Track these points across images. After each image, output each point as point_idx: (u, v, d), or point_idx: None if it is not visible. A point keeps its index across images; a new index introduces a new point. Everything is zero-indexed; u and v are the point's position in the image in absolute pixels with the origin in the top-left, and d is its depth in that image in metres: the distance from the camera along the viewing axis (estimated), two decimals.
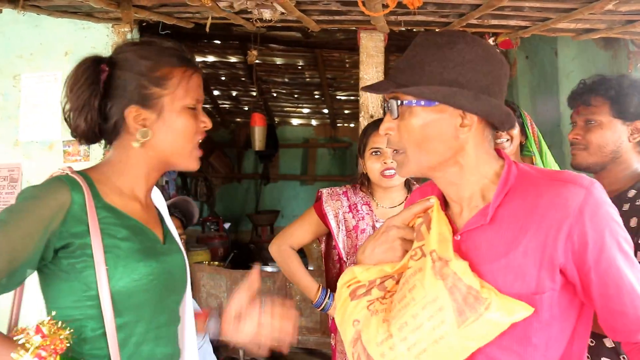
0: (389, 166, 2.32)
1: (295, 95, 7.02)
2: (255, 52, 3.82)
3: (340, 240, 2.42)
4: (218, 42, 5.72)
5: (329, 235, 2.55)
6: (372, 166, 2.36)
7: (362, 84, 3.31)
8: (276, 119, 7.42)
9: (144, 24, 3.29)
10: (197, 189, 6.80)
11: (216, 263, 4.26)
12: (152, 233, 1.44)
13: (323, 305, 2.43)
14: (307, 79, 6.63)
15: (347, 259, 2.44)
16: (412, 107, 1.23)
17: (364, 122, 3.33)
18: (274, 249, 2.54)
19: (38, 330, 1.19)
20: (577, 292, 1.18)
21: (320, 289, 2.45)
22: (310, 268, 4.61)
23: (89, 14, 3.11)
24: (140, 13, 2.79)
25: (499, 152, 1.31)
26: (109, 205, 1.35)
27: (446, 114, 1.21)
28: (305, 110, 7.39)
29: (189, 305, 1.59)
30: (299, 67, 6.41)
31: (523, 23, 2.86)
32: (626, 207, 1.81)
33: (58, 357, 1.18)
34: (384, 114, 1.33)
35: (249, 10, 2.66)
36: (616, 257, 1.14)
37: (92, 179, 1.34)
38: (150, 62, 1.37)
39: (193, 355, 1.69)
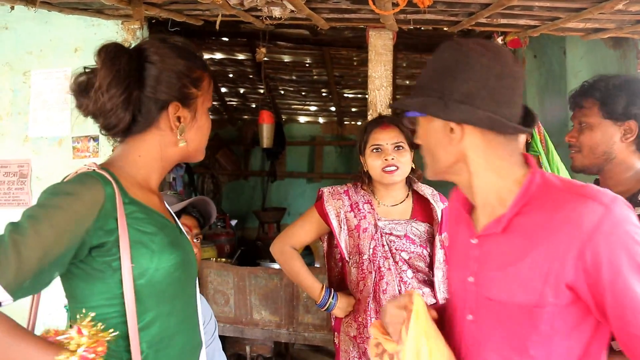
0: (390, 162, 2.32)
1: (303, 93, 7.02)
2: (264, 50, 3.83)
3: (342, 239, 2.41)
4: (226, 39, 5.72)
5: (331, 235, 2.54)
6: (373, 163, 2.36)
7: (370, 82, 3.31)
8: (283, 117, 7.42)
9: (153, 20, 3.31)
10: (204, 185, 6.81)
11: (223, 260, 4.27)
12: (172, 225, 1.46)
13: (327, 305, 2.43)
14: (315, 77, 6.63)
15: (350, 258, 2.43)
16: (416, 117, 1.31)
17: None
18: (275, 249, 2.53)
19: (80, 332, 1.19)
20: (591, 310, 1.15)
21: (324, 289, 2.44)
22: (317, 265, 4.62)
23: (99, 11, 3.12)
24: (151, 10, 2.80)
25: (526, 158, 1.29)
26: (135, 200, 1.35)
27: (436, 122, 1.26)
28: (313, 108, 7.39)
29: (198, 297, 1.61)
30: (307, 65, 6.41)
31: (532, 22, 2.85)
32: (639, 210, 1.78)
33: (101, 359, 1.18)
34: (394, 112, 1.39)
35: (259, 7, 2.66)
36: (634, 280, 1.09)
37: (115, 175, 1.33)
38: (189, 63, 1.40)
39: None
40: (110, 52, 1.34)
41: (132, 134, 1.39)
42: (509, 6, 2.47)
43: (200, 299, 1.62)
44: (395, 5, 2.43)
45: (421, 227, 2.41)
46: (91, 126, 3.45)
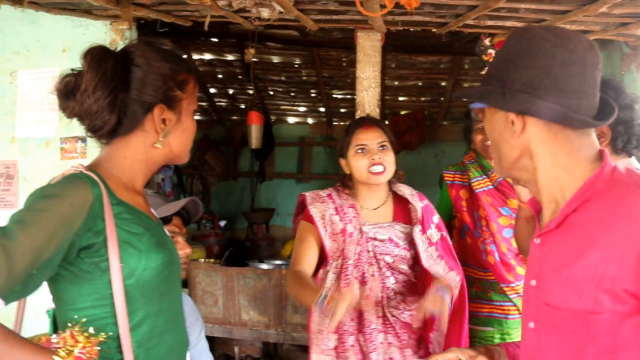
0: (377, 161, 2.27)
1: (292, 94, 7.02)
2: (252, 51, 3.84)
3: (326, 242, 2.34)
4: (215, 40, 5.72)
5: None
6: (358, 164, 2.30)
7: (358, 83, 3.33)
8: (272, 117, 7.42)
9: (142, 21, 3.30)
10: (193, 186, 6.79)
11: (212, 260, 4.27)
12: (157, 225, 1.47)
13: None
14: (304, 78, 6.63)
15: (331, 263, 2.36)
16: (482, 109, 1.26)
17: None
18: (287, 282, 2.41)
19: (73, 336, 1.20)
20: None
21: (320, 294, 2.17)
22: None
23: (87, 11, 3.12)
24: (139, 11, 2.80)
25: (602, 154, 1.18)
26: (122, 201, 1.36)
27: (498, 114, 1.19)
28: (302, 109, 7.39)
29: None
30: (296, 66, 6.41)
31: (519, 24, 2.88)
32: None
33: None
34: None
35: (248, 9, 2.67)
36: None
37: (102, 176, 1.34)
38: (175, 66, 1.42)
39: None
40: (96, 55, 1.35)
41: (117, 136, 1.40)
42: (495, 8, 2.50)
43: (185, 300, 1.63)
44: (383, 7, 2.44)
45: (403, 229, 2.39)
46: (79, 127, 3.39)
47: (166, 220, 2.22)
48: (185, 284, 3.69)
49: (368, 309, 2.27)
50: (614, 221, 1.04)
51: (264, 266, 4.17)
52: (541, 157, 1.17)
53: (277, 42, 5.64)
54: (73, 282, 1.31)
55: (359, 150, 2.31)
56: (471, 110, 1.32)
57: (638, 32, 2.78)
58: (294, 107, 7.38)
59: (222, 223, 6.10)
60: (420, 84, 6.65)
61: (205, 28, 2.88)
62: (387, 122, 6.86)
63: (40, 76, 3.39)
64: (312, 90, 6.88)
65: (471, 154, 3.05)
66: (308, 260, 2.35)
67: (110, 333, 1.30)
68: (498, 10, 2.58)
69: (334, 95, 6.94)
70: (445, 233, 2.45)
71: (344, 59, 6.17)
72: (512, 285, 2.79)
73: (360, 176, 2.32)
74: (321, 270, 2.36)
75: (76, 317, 1.30)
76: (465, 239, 3.00)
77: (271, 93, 7.00)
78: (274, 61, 6.32)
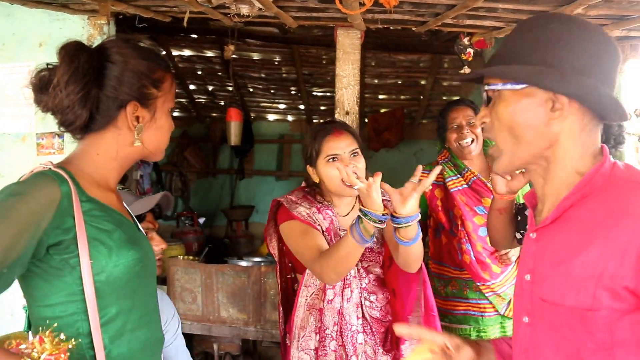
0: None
1: (272, 91, 7.01)
2: (232, 48, 3.82)
3: (324, 229, 2.24)
4: (195, 36, 5.69)
5: (281, 243, 2.40)
6: (330, 174, 2.19)
7: (338, 80, 3.33)
8: (252, 115, 7.40)
9: (121, 16, 3.27)
10: (172, 183, 6.76)
11: (191, 257, 4.26)
12: (129, 222, 1.47)
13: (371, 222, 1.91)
14: (284, 75, 6.63)
15: None
16: (501, 91, 1.14)
17: (339, 118, 3.35)
18: (316, 270, 2.10)
19: (42, 340, 1.20)
20: None
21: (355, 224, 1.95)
22: None
23: (64, 5, 3.08)
24: (117, 6, 2.78)
25: (602, 149, 1.18)
26: (92, 198, 1.36)
27: (536, 97, 1.11)
28: (281, 106, 7.39)
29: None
30: (276, 63, 6.41)
31: (497, 24, 2.91)
32: None
33: None
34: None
35: (227, 5, 2.67)
36: None
37: (71, 173, 1.35)
38: (150, 64, 1.42)
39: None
40: (70, 50, 1.35)
41: (90, 131, 1.41)
42: (474, 8, 2.52)
43: (162, 296, 1.64)
44: (362, 5, 2.45)
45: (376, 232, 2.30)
46: (56, 122, 3.42)
47: (140, 217, 2.22)
48: (164, 280, 3.67)
49: (349, 311, 2.25)
50: (614, 218, 1.03)
51: (243, 263, 4.16)
52: (565, 148, 1.14)
53: (256, 39, 5.63)
54: (43, 278, 1.31)
55: (331, 160, 2.20)
56: (489, 90, 1.20)
57: (613, 33, 2.83)
58: (274, 105, 7.37)
59: (202, 220, 6.08)
60: (399, 82, 6.68)
61: (184, 24, 2.86)
62: (366, 120, 6.88)
63: (16, 70, 3.34)
64: (292, 88, 6.88)
65: (445, 152, 3.07)
66: (320, 244, 2.15)
67: (80, 330, 1.31)
68: (476, 10, 2.60)
69: (314, 93, 6.94)
70: None
71: (323, 57, 6.18)
72: (488, 283, 2.82)
73: (333, 187, 2.23)
74: (307, 271, 2.28)
75: (47, 314, 1.32)
76: (441, 238, 3.02)
77: (251, 90, 6.99)
78: (254, 58, 6.32)
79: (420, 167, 1.97)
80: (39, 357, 1.17)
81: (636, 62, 3.18)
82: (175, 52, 6.07)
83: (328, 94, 6.90)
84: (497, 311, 2.85)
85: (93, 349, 1.32)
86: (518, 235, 2.16)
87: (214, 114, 7.41)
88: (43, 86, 1.36)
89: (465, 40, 3.38)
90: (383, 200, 2.26)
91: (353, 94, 3.32)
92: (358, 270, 2.29)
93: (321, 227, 2.25)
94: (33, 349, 1.18)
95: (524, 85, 1.11)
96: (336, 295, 2.25)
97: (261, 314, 3.61)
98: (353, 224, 1.93)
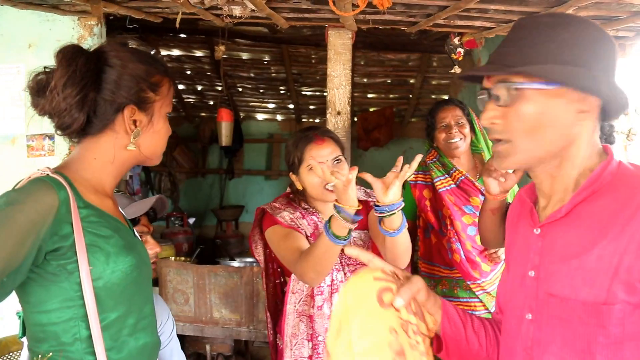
0: None
1: (261, 90, 7.01)
2: (222, 48, 3.81)
3: (309, 233, 2.25)
4: (184, 36, 5.67)
5: (267, 249, 2.41)
6: (312, 181, 2.20)
7: (329, 81, 3.33)
8: (241, 114, 7.40)
9: (111, 17, 3.26)
10: (161, 184, 6.73)
11: (182, 258, 4.25)
12: (126, 228, 1.47)
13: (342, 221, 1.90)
14: (273, 74, 6.63)
15: None
16: (526, 90, 1.11)
17: (331, 118, 3.36)
18: (298, 271, 2.08)
19: None
20: None
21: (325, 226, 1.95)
22: None
23: (55, 6, 3.06)
24: (110, 7, 2.76)
25: (605, 148, 1.20)
26: (89, 204, 1.36)
27: (564, 98, 1.10)
28: (271, 106, 7.39)
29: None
30: (265, 62, 6.41)
31: (488, 24, 2.93)
32: None
33: None
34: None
35: (219, 6, 2.66)
36: None
37: (69, 178, 1.35)
38: (148, 68, 1.42)
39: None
40: (67, 53, 1.35)
41: (87, 135, 1.40)
42: (465, 8, 2.53)
43: (156, 299, 1.64)
44: (355, 6, 2.46)
45: (362, 235, 2.34)
46: (46, 124, 3.33)
47: (135, 220, 2.21)
48: (156, 282, 3.66)
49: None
50: (628, 212, 1.05)
51: (235, 264, 4.16)
52: (579, 147, 1.15)
53: (246, 38, 5.62)
54: (39, 284, 1.31)
55: (313, 168, 2.11)
56: (486, 96, 1.16)
57: None
58: (263, 104, 7.37)
59: (191, 220, 6.07)
60: (388, 81, 6.71)
61: (177, 25, 2.85)
62: (356, 119, 6.90)
63: (5, 72, 3.31)
64: (281, 87, 6.89)
65: (433, 152, 3.09)
66: (302, 246, 2.14)
67: (77, 335, 1.31)
68: (468, 11, 2.62)
69: (303, 92, 6.95)
70: None
71: (313, 56, 6.19)
72: (478, 281, 2.84)
73: (316, 194, 2.24)
74: (293, 275, 2.27)
75: (43, 320, 1.32)
76: (430, 238, 3.04)
77: (240, 90, 6.98)
78: (243, 58, 6.31)
79: (401, 158, 1.97)
80: None
81: (624, 61, 3.22)
82: (164, 52, 6.04)
83: (317, 94, 6.91)
84: (487, 309, 2.87)
85: (91, 354, 1.32)
86: None
87: (203, 114, 7.39)
88: (40, 89, 1.36)
89: (456, 40, 3.40)
90: (368, 201, 2.27)
91: (344, 94, 3.33)
92: (345, 274, 2.27)
93: (305, 232, 2.24)
94: None
95: (556, 86, 1.09)
96: (325, 301, 2.24)
97: (254, 315, 3.62)
98: (325, 224, 1.91)
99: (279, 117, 7.58)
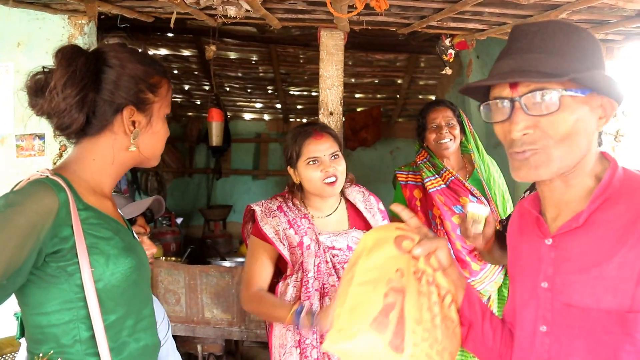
0: (330, 173, 2.22)
1: (249, 90, 7.00)
2: (214, 48, 3.80)
3: (286, 254, 2.26)
4: (171, 35, 5.64)
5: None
6: (311, 176, 2.23)
7: (321, 81, 3.34)
8: (229, 114, 7.37)
9: (102, 16, 3.23)
10: (148, 183, 6.68)
11: (173, 258, 4.23)
12: (126, 229, 1.47)
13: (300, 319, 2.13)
14: (261, 74, 6.63)
15: (291, 276, 2.27)
16: (564, 97, 1.09)
17: (323, 119, 3.37)
18: (244, 303, 2.31)
19: None
20: None
21: (294, 308, 2.12)
22: None
23: (46, 5, 3.03)
24: (103, 6, 2.74)
25: (603, 154, 1.21)
26: (89, 206, 1.35)
27: (590, 105, 1.11)
28: (258, 105, 7.38)
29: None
30: (253, 62, 6.41)
31: (480, 26, 2.96)
32: None
33: None
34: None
35: (214, 6, 2.65)
36: None
37: (69, 180, 1.34)
38: (147, 69, 1.41)
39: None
40: (67, 53, 1.34)
41: (86, 136, 1.40)
42: (460, 11, 2.55)
43: (153, 300, 1.63)
44: (351, 7, 2.47)
45: (361, 235, 2.34)
46: (36, 124, 3.29)
47: (131, 220, 2.20)
48: None
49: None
50: None
51: (226, 264, 4.16)
52: (591, 153, 1.15)
53: (234, 38, 5.61)
54: (39, 286, 1.30)
55: (311, 162, 2.24)
56: (546, 97, 1.09)
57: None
58: (251, 104, 7.36)
59: (179, 220, 6.04)
60: (376, 81, 6.74)
61: (172, 25, 2.83)
62: (343, 119, 6.91)
63: None
64: (269, 87, 6.88)
65: (423, 153, 3.13)
66: (262, 279, 2.29)
67: (77, 337, 1.31)
68: (462, 13, 2.64)
69: (291, 92, 6.96)
70: None
71: (301, 56, 6.20)
72: (468, 281, 2.86)
73: (314, 188, 2.27)
74: (281, 284, 2.28)
75: (42, 322, 1.31)
76: None
77: (227, 89, 6.96)
78: (231, 57, 6.30)
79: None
80: None
81: (613, 64, 3.27)
82: (151, 51, 6.00)
83: (305, 93, 6.92)
84: None
85: (91, 355, 1.32)
86: None
87: (190, 113, 7.36)
88: (38, 89, 1.35)
89: (447, 42, 3.43)
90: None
91: (337, 94, 3.35)
92: (339, 278, 2.27)
93: (290, 243, 2.27)
94: None
95: (589, 92, 1.10)
96: (312, 306, 2.22)
97: (245, 314, 3.61)
98: (295, 312, 2.06)
99: (266, 117, 7.58)
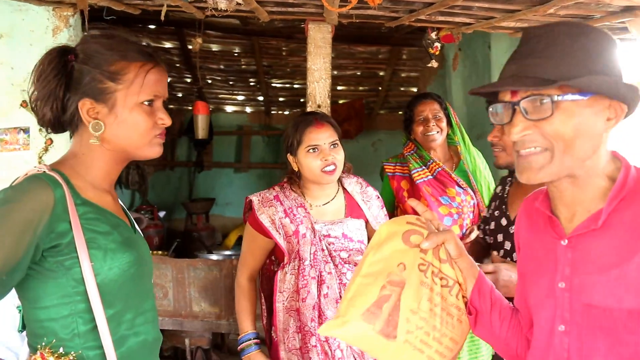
0: (330, 162, 2.28)
1: (231, 82, 6.96)
2: (199, 40, 3.78)
3: (282, 243, 2.33)
4: (153, 27, 5.58)
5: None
6: (311, 164, 2.29)
7: (309, 74, 3.34)
8: (211, 106, 7.33)
9: (89, 8, 3.19)
10: (129, 177, 6.61)
11: (160, 252, 4.21)
12: (125, 224, 1.47)
13: (242, 346, 2.38)
14: (243, 66, 6.60)
15: (288, 264, 2.35)
16: (562, 102, 1.11)
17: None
18: (236, 281, 2.50)
19: (43, 357, 1.21)
20: None
21: (251, 332, 2.39)
22: None
23: None
24: None
25: (614, 153, 1.22)
26: (87, 201, 1.36)
27: (595, 107, 1.12)
28: (240, 98, 7.34)
29: None
30: (235, 54, 6.37)
31: (468, 20, 2.98)
32: None
33: None
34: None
35: None
36: None
37: (66, 175, 1.35)
38: (107, 56, 1.37)
39: None
40: (49, 51, 1.40)
41: (73, 130, 1.43)
42: (450, 5, 2.58)
43: (154, 294, 1.64)
44: (343, 1, 2.47)
45: (356, 223, 2.42)
46: (21, 117, 3.30)
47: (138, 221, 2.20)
48: None
49: (328, 307, 2.30)
50: None
51: (214, 257, 4.15)
52: (601, 155, 1.17)
53: (217, 30, 5.57)
54: (38, 280, 1.31)
55: (311, 150, 2.30)
56: (544, 102, 1.11)
57: None
58: (233, 96, 7.32)
59: (162, 214, 6.01)
60: (358, 73, 6.76)
61: (162, 18, 2.81)
62: None
63: None
64: (251, 79, 6.86)
65: (410, 145, 3.18)
66: (254, 267, 2.49)
67: (75, 331, 1.31)
68: (452, 7, 2.66)
69: (273, 84, 6.94)
70: None
71: (284, 48, 6.19)
72: None
73: (313, 176, 2.32)
74: (279, 272, 2.36)
75: (41, 316, 1.32)
76: None
77: (209, 82, 6.91)
78: (213, 50, 6.25)
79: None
80: None
81: None
82: None
83: (287, 86, 6.91)
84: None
85: (90, 348, 1.33)
86: (499, 253, 2.22)
87: (172, 106, 7.29)
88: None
89: (433, 35, 3.45)
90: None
91: (324, 87, 3.36)
92: (336, 265, 2.33)
93: (285, 232, 2.34)
94: None
95: (590, 95, 1.11)
96: (310, 293, 2.30)
97: (233, 307, 3.60)
98: (246, 340, 2.39)
99: (248, 109, 7.55)
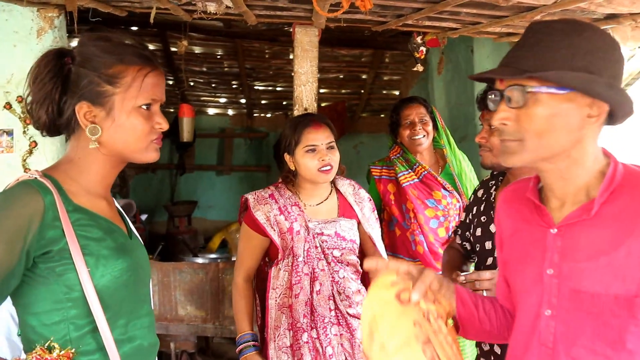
0: (327, 162, 2.33)
1: (213, 85, 6.95)
2: (185, 43, 3.77)
3: (277, 240, 2.38)
4: (135, 28, 5.54)
5: None
6: (308, 164, 2.35)
7: (296, 77, 3.35)
8: None
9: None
10: None
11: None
12: (121, 230, 1.46)
13: (241, 347, 2.38)
14: (226, 69, 6.59)
15: (281, 261, 2.39)
16: (539, 94, 1.17)
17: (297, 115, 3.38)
18: (233, 281, 2.50)
19: (44, 350, 1.21)
20: None
21: (249, 333, 2.40)
22: (233, 259, 4.61)
23: None
24: (80, 0, 2.67)
25: (603, 150, 1.27)
26: (79, 207, 1.34)
27: (574, 103, 1.16)
28: (222, 100, 7.33)
29: None
30: (218, 57, 6.36)
31: (455, 25, 3.02)
32: None
33: None
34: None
35: (194, 2, 2.63)
36: None
37: (58, 181, 1.34)
38: (105, 59, 1.36)
39: None
40: (42, 55, 1.39)
41: (69, 134, 1.42)
42: (439, 11, 2.60)
43: (151, 299, 1.63)
44: (333, 6, 2.48)
45: (349, 223, 2.47)
46: (5, 119, 3.25)
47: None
48: None
49: (320, 304, 2.33)
50: None
51: (199, 260, 4.14)
52: (586, 149, 1.21)
53: (201, 32, 5.55)
54: (30, 286, 1.30)
55: (309, 151, 2.35)
56: (496, 97, 1.23)
57: None
58: (215, 98, 7.30)
59: (144, 217, 5.96)
60: (341, 76, 6.79)
61: (151, 20, 2.80)
62: None
63: None
64: (234, 82, 6.85)
65: (397, 148, 3.22)
66: (251, 267, 2.49)
67: (67, 337, 1.31)
68: (440, 13, 2.69)
69: (255, 87, 6.94)
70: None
71: (266, 51, 6.19)
72: (440, 272, 2.95)
73: (310, 175, 2.37)
74: (273, 268, 2.40)
75: (33, 322, 1.31)
76: (394, 231, 3.15)
77: (192, 84, 6.88)
78: (196, 52, 6.23)
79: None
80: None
81: None
82: None
83: (269, 88, 6.92)
84: None
85: (82, 354, 1.32)
86: (487, 262, 2.21)
87: None
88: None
89: (419, 39, 3.48)
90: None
91: (311, 90, 3.36)
92: (329, 263, 2.38)
93: (279, 229, 2.38)
94: (40, 357, 1.23)
95: (568, 91, 1.16)
96: (302, 289, 2.34)
97: (219, 311, 3.61)
98: (244, 342, 2.39)
99: (230, 112, 7.53)
